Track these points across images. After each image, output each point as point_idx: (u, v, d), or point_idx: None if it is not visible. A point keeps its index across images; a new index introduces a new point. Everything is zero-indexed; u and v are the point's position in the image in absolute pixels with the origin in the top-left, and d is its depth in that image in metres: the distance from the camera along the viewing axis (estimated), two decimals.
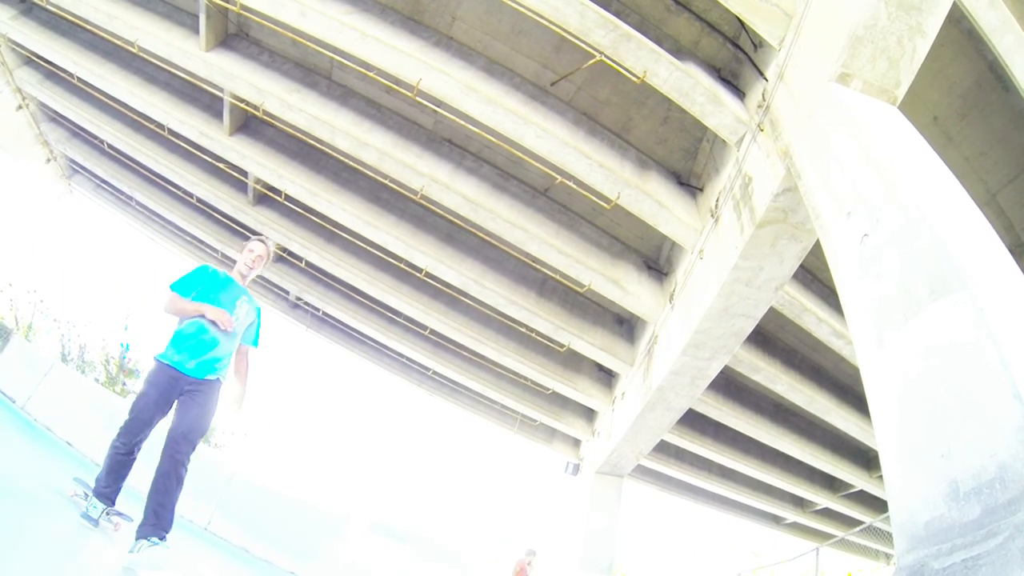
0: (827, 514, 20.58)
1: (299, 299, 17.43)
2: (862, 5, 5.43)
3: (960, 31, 7.36)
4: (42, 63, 14.02)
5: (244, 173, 13.45)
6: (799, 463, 16.90)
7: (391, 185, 11.62)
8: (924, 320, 3.78)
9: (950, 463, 3.26)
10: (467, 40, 9.89)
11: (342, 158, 11.75)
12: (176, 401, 4.54)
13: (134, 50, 11.16)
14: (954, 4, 5.91)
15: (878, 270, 4.37)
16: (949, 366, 3.50)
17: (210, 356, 4.66)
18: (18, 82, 14.78)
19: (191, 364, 4.55)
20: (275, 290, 17.64)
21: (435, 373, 18.19)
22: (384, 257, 13.51)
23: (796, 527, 22.63)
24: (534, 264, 12.42)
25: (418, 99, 9.73)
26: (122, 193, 17.52)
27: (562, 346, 13.59)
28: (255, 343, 5.23)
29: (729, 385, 14.13)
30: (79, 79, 13.36)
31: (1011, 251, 4.04)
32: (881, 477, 4.24)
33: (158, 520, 4.15)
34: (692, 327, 9.45)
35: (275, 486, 13.15)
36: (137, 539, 4.08)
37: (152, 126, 13.48)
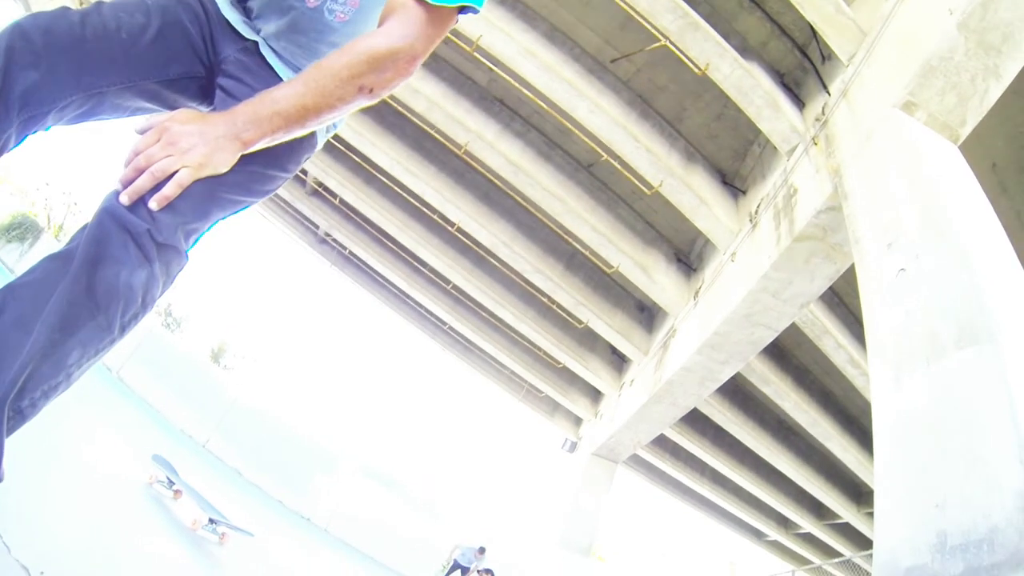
0: (809, 539, 20.56)
1: (328, 235, 17.51)
2: (941, 36, 5.25)
3: None
4: None
5: None
6: (791, 483, 16.83)
7: (436, 136, 11.56)
8: (946, 367, 3.70)
9: (943, 514, 3.21)
10: (533, 3, 9.73)
11: (391, 102, 11.68)
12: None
13: None
14: None
15: (908, 307, 4.27)
16: (961, 418, 3.44)
17: None
18: None
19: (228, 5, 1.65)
20: (305, 223, 17.73)
21: (451, 328, 18.27)
22: (418, 206, 13.50)
23: (776, 546, 22.65)
24: (566, 237, 12.35)
25: (475, 55, 9.64)
26: None
27: (580, 323, 13.56)
28: None
29: (737, 392, 14.06)
30: None
31: None
32: (870, 514, 4.20)
33: None
34: (712, 328, 9.38)
35: (275, 416, 13.35)
36: None
37: None
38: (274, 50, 1.68)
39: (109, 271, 1.18)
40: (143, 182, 1.22)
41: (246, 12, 1.69)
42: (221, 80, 1.61)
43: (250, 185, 1.49)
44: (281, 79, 1.64)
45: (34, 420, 1.15)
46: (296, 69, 1.68)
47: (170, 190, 1.23)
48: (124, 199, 1.21)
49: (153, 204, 1.22)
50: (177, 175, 1.24)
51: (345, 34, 1.66)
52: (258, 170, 1.48)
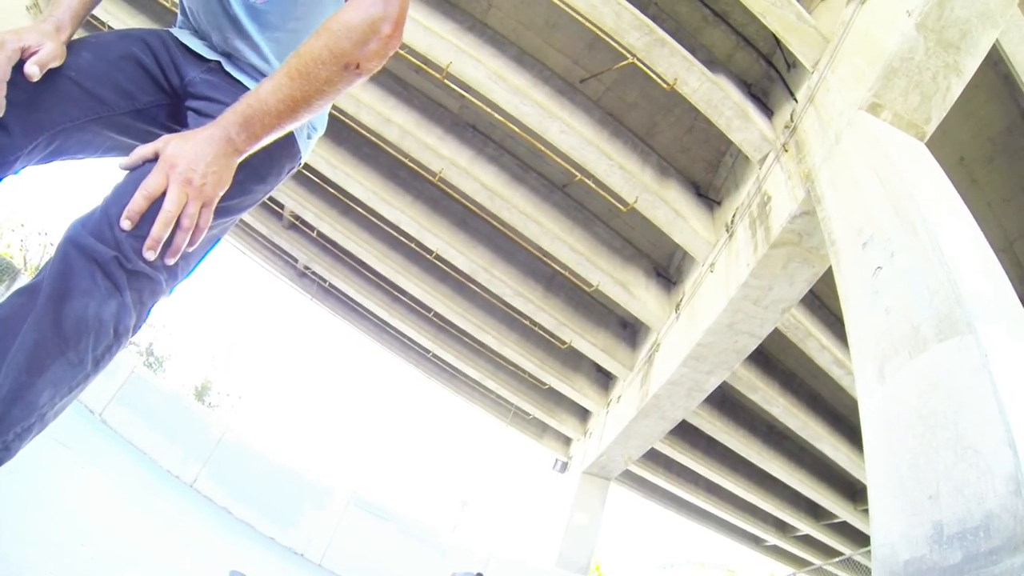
0: (807, 541, 20.55)
1: (307, 268, 17.43)
2: (900, 37, 5.38)
3: (996, 74, 7.29)
4: None
5: None
6: (785, 487, 16.87)
7: (410, 165, 11.60)
8: (928, 359, 3.74)
9: (937, 505, 3.24)
10: (501, 28, 9.85)
11: (365, 133, 11.71)
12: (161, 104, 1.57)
13: None
14: (993, 47, 5.85)
15: (887, 304, 4.33)
16: (947, 408, 3.47)
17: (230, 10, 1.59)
18: None
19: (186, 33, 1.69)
20: (284, 257, 17.66)
21: (434, 356, 18.20)
22: (396, 235, 13.50)
23: (775, 550, 22.62)
24: (544, 258, 12.39)
25: (446, 82, 9.70)
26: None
27: (564, 343, 13.57)
28: None
29: (725, 401, 14.10)
30: None
31: (1023, 301, 4.00)
32: (865, 511, 4.22)
33: None
34: (695, 339, 9.42)
35: (264, 451, 13.17)
36: None
37: None
38: (238, 65, 1.66)
39: (76, 304, 1.12)
40: (178, 239, 1.21)
41: (200, 35, 1.68)
42: (191, 102, 1.59)
43: (227, 202, 1.42)
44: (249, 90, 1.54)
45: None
46: (261, 77, 1.66)
47: (193, 235, 1.24)
48: (149, 255, 1.17)
49: (172, 257, 1.22)
50: (201, 216, 1.24)
51: (274, 15, 1.62)
52: (235, 185, 1.37)
